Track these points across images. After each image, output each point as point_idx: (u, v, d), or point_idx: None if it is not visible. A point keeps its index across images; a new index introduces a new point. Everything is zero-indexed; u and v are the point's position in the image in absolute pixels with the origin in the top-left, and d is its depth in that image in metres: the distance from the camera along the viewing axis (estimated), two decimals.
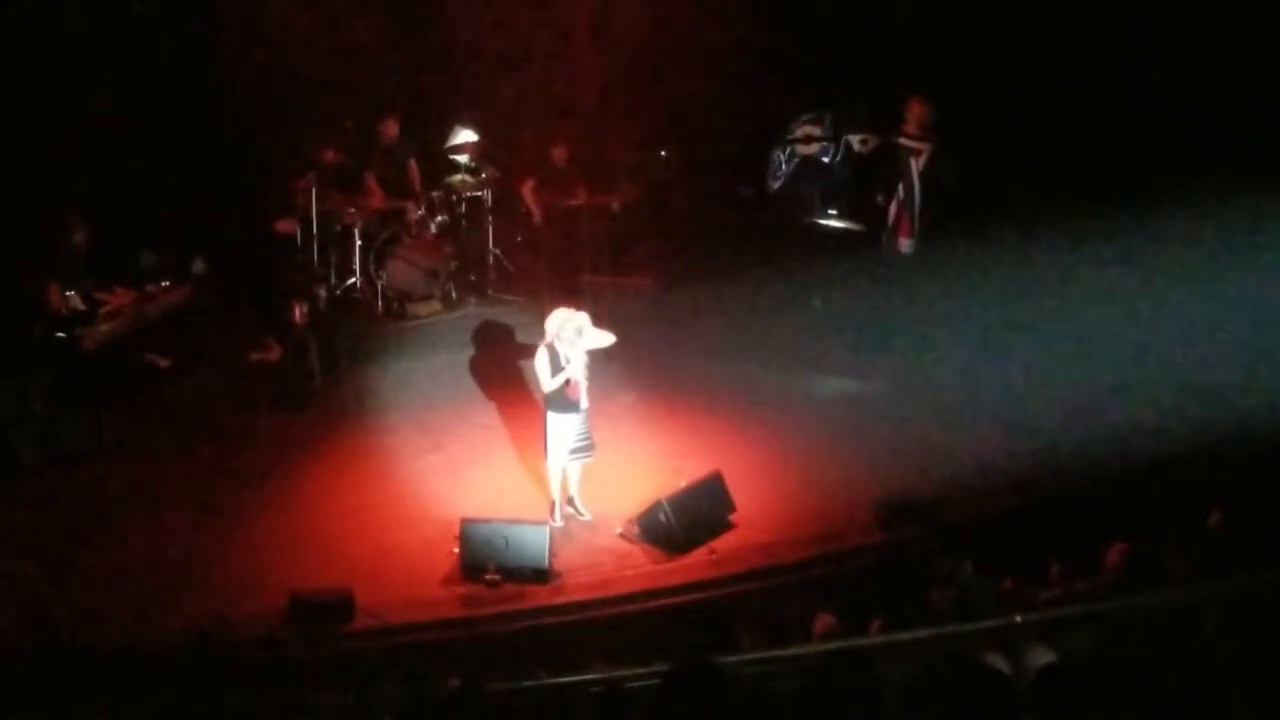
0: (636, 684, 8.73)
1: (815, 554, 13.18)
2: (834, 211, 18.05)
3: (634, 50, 19.63)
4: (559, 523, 13.51)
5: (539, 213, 18.64)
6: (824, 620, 10.51)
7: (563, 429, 13.32)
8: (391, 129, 18.69)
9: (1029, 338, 16.19)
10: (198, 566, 12.99)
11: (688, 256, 18.92)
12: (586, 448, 13.49)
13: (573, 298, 15.22)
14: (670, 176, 19.44)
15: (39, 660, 11.71)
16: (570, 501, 13.74)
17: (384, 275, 17.98)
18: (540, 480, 13.90)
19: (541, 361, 13.27)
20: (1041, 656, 7.52)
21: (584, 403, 13.33)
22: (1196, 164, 15.66)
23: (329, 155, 17.97)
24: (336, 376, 16.44)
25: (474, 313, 18.12)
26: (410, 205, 18.36)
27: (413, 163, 18.82)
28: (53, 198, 16.66)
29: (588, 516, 13.73)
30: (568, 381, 13.17)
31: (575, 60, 19.88)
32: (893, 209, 17.28)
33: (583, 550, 13.34)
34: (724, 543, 13.37)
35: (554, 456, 13.44)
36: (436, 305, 18.30)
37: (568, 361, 13.17)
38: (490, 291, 18.74)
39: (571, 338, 13.20)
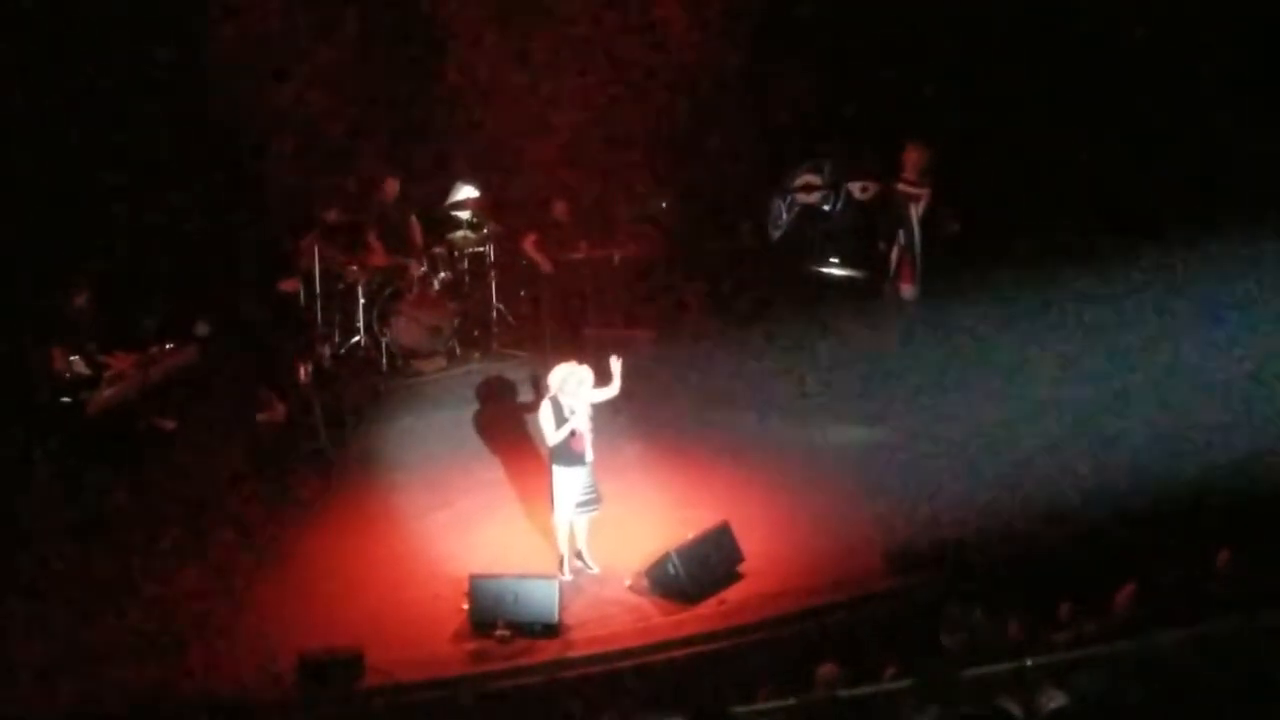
0: None
1: (825, 602, 13.14)
2: (836, 259, 18.07)
3: (634, 104, 19.70)
4: (568, 577, 13.49)
5: (547, 263, 18.70)
6: (827, 669, 10.46)
7: (568, 483, 13.31)
8: (392, 187, 18.76)
9: (1032, 380, 16.21)
10: (206, 628, 12.94)
11: (690, 307, 18.97)
12: (593, 501, 13.48)
13: (576, 351, 15.25)
14: (671, 228, 19.51)
15: None
16: (578, 555, 13.73)
17: (388, 332, 18.02)
18: (548, 534, 13.88)
19: (545, 415, 13.28)
20: (1053, 699, 7.51)
21: (589, 455, 13.33)
22: (1199, 205, 15.73)
23: (331, 214, 18.04)
24: (342, 435, 16.44)
25: (478, 368, 18.14)
26: (413, 262, 18.41)
27: (414, 220, 18.89)
28: (55, 261, 16.68)
29: (596, 570, 13.72)
30: (572, 434, 13.18)
31: (576, 115, 19.94)
32: (894, 255, 17.34)
33: (592, 604, 13.32)
34: (733, 593, 13.36)
35: (560, 510, 13.43)
36: (441, 361, 18.35)
37: (571, 413, 13.19)
38: (494, 346, 18.79)
39: (574, 390, 13.24)
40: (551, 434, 13.24)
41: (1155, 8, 16.58)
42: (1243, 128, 15.96)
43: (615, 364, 13.63)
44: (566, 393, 13.23)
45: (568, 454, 13.26)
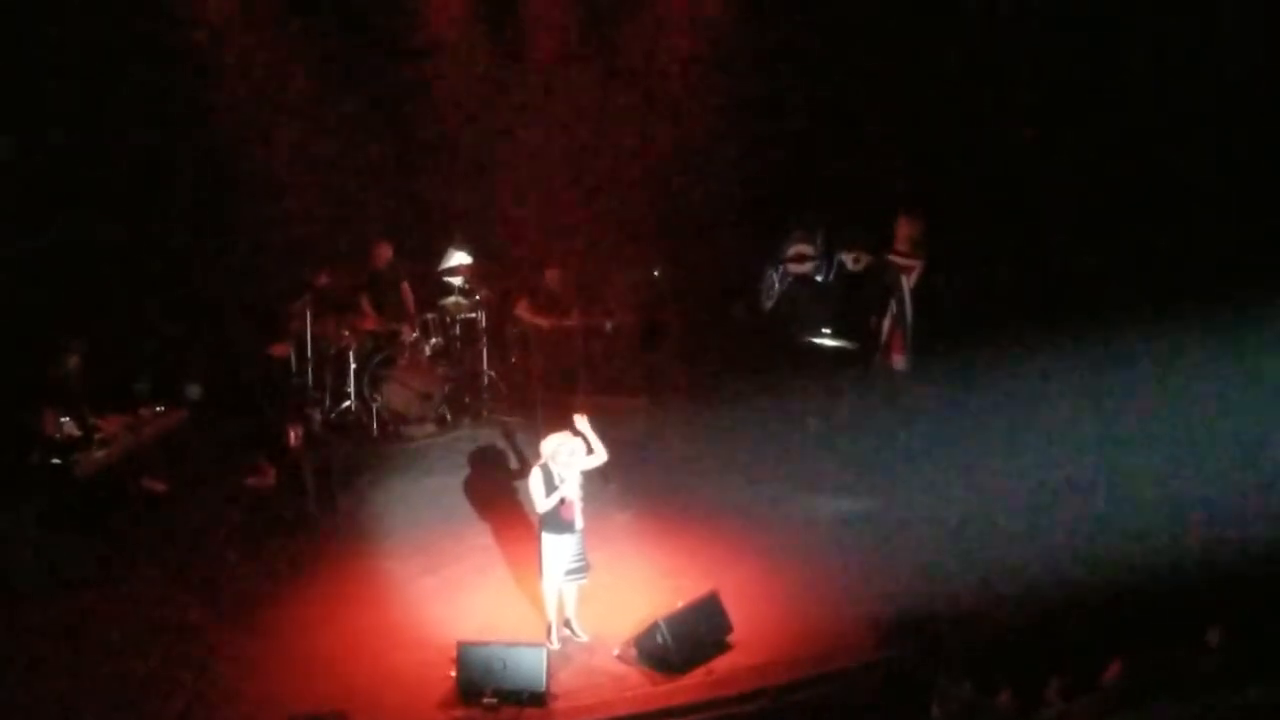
0: None
1: (813, 674, 13.09)
2: (827, 330, 18.12)
3: (628, 172, 19.82)
4: (556, 645, 13.43)
5: (545, 322, 18.72)
6: None
7: (558, 550, 13.26)
8: (385, 252, 18.84)
9: (1023, 453, 16.24)
10: (193, 693, 12.89)
11: (682, 376, 19.02)
12: (582, 569, 13.42)
13: (567, 418, 15.23)
14: (663, 296, 19.56)
15: None
16: (567, 623, 13.67)
17: (378, 398, 18.06)
18: (537, 602, 13.83)
19: (535, 481, 13.23)
20: None
21: (579, 523, 13.28)
22: (1198, 274, 15.80)
23: (323, 279, 18.08)
24: (331, 499, 16.40)
25: (468, 434, 18.18)
26: (404, 328, 18.48)
27: (406, 285, 18.96)
28: (47, 324, 16.72)
29: (585, 638, 13.66)
30: (562, 501, 13.14)
31: (569, 182, 20.05)
32: (886, 326, 17.39)
33: (580, 672, 13.25)
34: (722, 663, 13.29)
35: (549, 578, 13.37)
36: (431, 427, 18.38)
37: (561, 481, 13.15)
38: (484, 413, 18.81)
39: (566, 459, 13.18)
40: (541, 501, 13.19)
41: (1152, 78, 16.68)
42: (1244, 194, 16.06)
43: (581, 422, 13.52)
44: (558, 462, 13.19)
45: (557, 521, 13.21)
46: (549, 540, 13.27)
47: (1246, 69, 15.85)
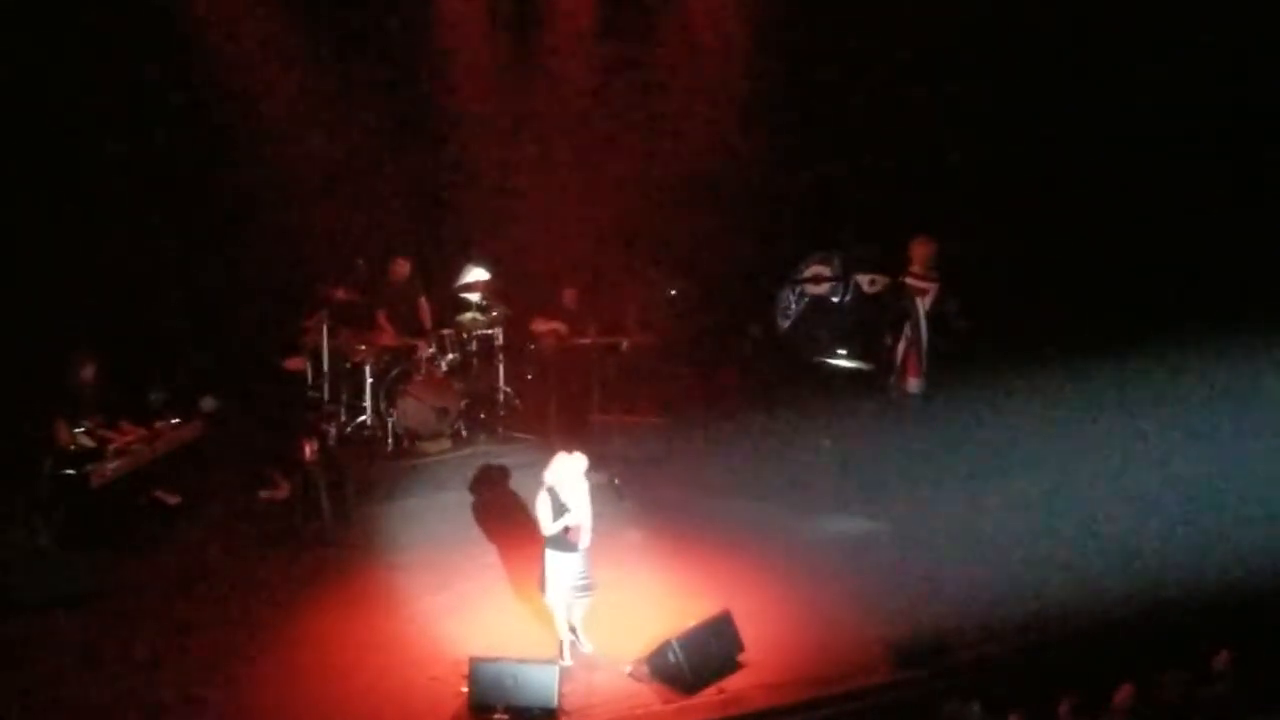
0: None
1: (824, 694, 13.05)
2: (843, 351, 18.11)
3: (645, 191, 19.84)
4: (568, 662, 13.40)
5: (563, 329, 18.72)
6: None
7: (562, 567, 13.20)
8: (402, 267, 18.87)
9: (1036, 476, 16.22)
10: (202, 706, 12.89)
11: (697, 395, 19.02)
12: (587, 587, 13.37)
13: (581, 436, 15.20)
14: (680, 316, 19.57)
15: None
16: (572, 629, 13.60)
17: (394, 413, 18.07)
18: (548, 619, 13.81)
19: (543, 505, 13.17)
20: None
21: (584, 543, 13.24)
22: (1214, 302, 15.79)
23: (340, 293, 18.11)
24: (345, 514, 16.40)
25: (483, 451, 18.19)
26: (421, 343, 18.51)
27: (423, 301, 19.00)
28: (61, 333, 16.76)
29: (590, 648, 13.56)
30: (568, 527, 13.11)
31: (588, 201, 20.07)
32: (900, 348, 17.37)
33: (591, 690, 13.18)
34: (733, 683, 13.24)
35: (553, 594, 13.34)
36: (446, 443, 18.39)
37: (568, 508, 13.10)
38: (500, 430, 18.83)
39: (572, 481, 13.15)
40: (549, 524, 13.15)
41: (1172, 105, 16.69)
42: (1258, 220, 16.08)
43: None
44: (564, 484, 13.15)
45: (562, 540, 13.18)
46: (553, 557, 13.24)
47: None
